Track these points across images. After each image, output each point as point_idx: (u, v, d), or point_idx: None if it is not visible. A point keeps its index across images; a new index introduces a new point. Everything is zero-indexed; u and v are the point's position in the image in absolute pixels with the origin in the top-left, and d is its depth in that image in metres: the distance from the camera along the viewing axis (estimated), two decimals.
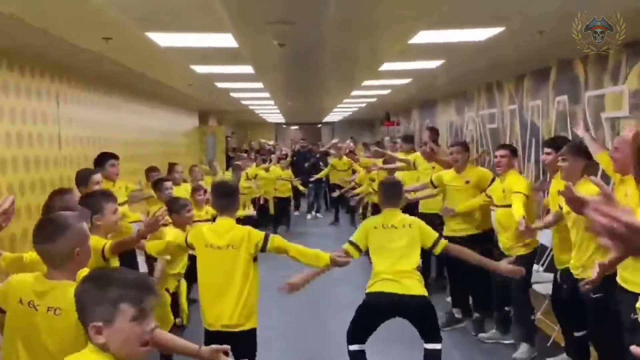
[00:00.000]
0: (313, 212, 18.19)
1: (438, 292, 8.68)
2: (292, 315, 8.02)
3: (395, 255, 5.20)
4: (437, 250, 5.31)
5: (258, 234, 4.68)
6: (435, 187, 7.72)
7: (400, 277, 5.12)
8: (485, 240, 7.18)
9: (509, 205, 6.20)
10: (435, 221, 7.30)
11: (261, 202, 14.55)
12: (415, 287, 5.10)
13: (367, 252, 5.43)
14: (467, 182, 7.35)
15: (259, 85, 11.99)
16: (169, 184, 7.98)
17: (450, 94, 14.61)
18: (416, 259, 5.22)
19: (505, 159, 6.57)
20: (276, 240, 4.67)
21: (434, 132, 9.89)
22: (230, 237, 4.69)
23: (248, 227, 4.78)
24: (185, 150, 17.90)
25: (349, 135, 23.82)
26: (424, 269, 6.47)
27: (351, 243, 5.36)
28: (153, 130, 14.22)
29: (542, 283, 7.01)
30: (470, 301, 7.60)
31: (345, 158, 16.28)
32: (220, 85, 11.85)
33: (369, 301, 5.19)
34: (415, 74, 10.56)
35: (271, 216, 14.73)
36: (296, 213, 18.30)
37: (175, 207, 6.26)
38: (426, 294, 5.15)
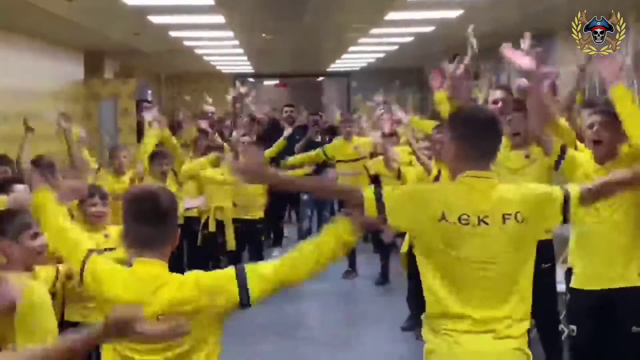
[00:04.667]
0: None
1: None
2: None
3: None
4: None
5: (219, 278, 3.06)
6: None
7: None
8: None
9: None
10: None
11: (203, 229, 8.75)
12: None
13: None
14: None
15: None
16: (21, 188, 5.17)
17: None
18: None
19: None
20: (257, 275, 3.06)
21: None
22: (161, 300, 2.97)
23: (192, 274, 3.07)
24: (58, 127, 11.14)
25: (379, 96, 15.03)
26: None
27: None
28: None
29: None
30: None
31: (358, 140, 9.76)
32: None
33: None
34: None
35: (224, 254, 8.99)
36: (275, 253, 10.89)
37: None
38: None
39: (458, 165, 3.30)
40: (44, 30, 10.45)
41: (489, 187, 3.21)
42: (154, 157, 7.77)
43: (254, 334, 7.32)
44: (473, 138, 3.26)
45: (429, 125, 7.92)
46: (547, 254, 5.60)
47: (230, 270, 3.09)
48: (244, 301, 3.05)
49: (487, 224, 3.16)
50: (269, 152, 10.12)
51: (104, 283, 3.12)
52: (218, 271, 3.16)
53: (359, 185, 3.42)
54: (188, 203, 7.13)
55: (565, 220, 3.33)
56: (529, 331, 5.99)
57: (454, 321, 3.20)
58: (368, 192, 3.27)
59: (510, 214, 3.17)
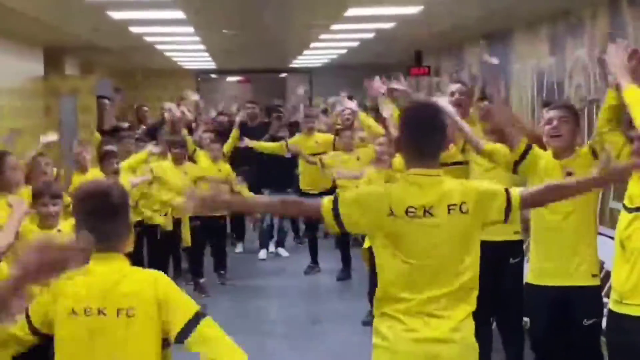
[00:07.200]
0: (271, 247, 10.92)
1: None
2: None
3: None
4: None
5: (180, 297, 2.98)
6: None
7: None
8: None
9: None
10: None
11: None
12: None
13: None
14: (570, 174, 4.74)
15: None
16: None
17: (539, 17, 9.60)
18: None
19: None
20: (207, 327, 2.98)
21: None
22: (120, 293, 2.93)
23: (154, 272, 3.04)
24: (19, 123, 10.73)
25: (342, 91, 14.52)
26: None
27: None
28: None
29: None
30: None
31: (319, 135, 9.84)
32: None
33: None
34: None
35: (184, 253, 9.10)
36: (238, 249, 11.22)
37: None
38: None
39: (407, 163, 3.40)
40: (2, 25, 10.25)
41: (434, 183, 3.29)
42: (105, 156, 7.73)
43: None
44: (414, 138, 3.35)
45: (375, 126, 8.00)
46: (516, 249, 5.68)
47: (195, 307, 2.99)
48: (180, 338, 2.95)
49: (432, 215, 3.25)
50: (227, 146, 10.10)
51: (59, 287, 3.01)
52: (184, 295, 3.04)
53: (318, 200, 3.42)
54: (133, 181, 7.33)
55: (506, 220, 3.37)
56: (489, 323, 6.11)
57: (398, 315, 3.27)
58: (326, 206, 3.33)
59: (455, 205, 3.26)
